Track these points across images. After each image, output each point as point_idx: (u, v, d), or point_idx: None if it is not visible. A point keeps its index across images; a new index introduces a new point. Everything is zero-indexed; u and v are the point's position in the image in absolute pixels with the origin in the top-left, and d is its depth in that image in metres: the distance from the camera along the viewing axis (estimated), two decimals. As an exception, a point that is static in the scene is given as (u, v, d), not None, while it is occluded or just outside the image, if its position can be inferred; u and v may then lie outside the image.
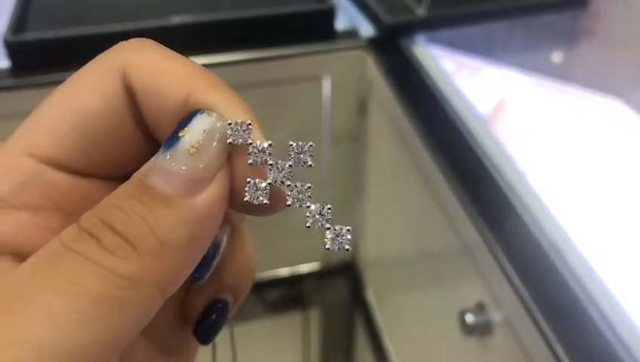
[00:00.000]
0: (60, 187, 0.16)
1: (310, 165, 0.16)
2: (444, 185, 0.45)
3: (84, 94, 0.16)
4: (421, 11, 0.60)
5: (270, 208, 0.16)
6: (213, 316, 0.19)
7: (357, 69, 0.60)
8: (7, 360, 0.12)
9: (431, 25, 0.60)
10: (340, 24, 0.60)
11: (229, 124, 0.15)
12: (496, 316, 0.41)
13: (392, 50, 0.58)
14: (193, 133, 0.15)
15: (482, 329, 0.41)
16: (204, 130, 0.15)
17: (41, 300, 0.13)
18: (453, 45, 0.62)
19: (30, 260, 0.14)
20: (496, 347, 0.41)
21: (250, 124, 0.15)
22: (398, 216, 0.60)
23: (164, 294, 0.15)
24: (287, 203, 0.16)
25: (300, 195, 0.16)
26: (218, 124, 0.15)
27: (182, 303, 0.19)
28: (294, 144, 0.16)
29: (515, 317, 0.38)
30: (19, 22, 0.54)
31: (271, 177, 0.16)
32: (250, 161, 0.15)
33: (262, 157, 0.15)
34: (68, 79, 0.17)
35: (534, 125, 0.58)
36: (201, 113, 0.15)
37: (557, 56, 0.69)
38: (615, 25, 0.70)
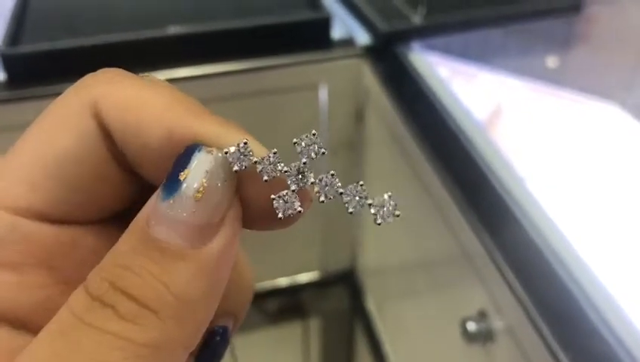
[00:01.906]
0: (41, 239, 0.15)
1: (324, 152, 0.15)
2: (442, 192, 0.45)
3: (55, 135, 0.15)
4: (417, 19, 0.60)
5: (298, 216, 0.15)
6: (215, 343, 0.17)
7: (353, 77, 0.60)
8: None
9: (427, 32, 0.60)
10: (336, 33, 0.60)
11: (227, 152, 0.14)
12: (498, 323, 0.40)
13: (388, 58, 0.58)
14: (196, 176, 0.13)
15: (484, 337, 0.41)
16: (207, 171, 0.14)
17: None
18: (449, 52, 0.62)
19: (43, 337, 0.13)
20: (499, 354, 0.41)
21: (246, 143, 0.14)
22: (397, 223, 0.60)
23: (187, 350, 0.14)
24: (321, 199, 0.15)
25: (327, 187, 0.15)
26: (220, 160, 0.14)
27: None
28: (298, 139, 0.15)
29: (517, 324, 0.37)
30: (14, 34, 0.54)
31: (292, 183, 0.14)
32: (266, 178, 0.14)
33: (273, 168, 0.14)
34: (40, 116, 0.15)
35: (531, 130, 0.58)
36: (199, 151, 0.14)
37: (552, 61, 0.69)
38: (609, 29, 0.70)
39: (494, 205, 0.43)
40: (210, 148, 0.14)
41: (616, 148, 0.55)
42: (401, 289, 0.63)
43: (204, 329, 0.14)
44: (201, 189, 0.13)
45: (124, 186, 0.16)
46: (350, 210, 0.15)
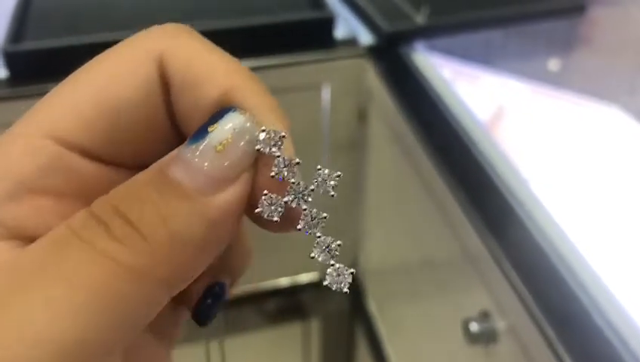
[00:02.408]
0: (84, 174, 0.15)
1: (333, 195, 0.15)
2: (446, 192, 0.45)
3: (116, 78, 0.15)
4: (420, 19, 0.60)
5: (279, 226, 0.15)
6: (212, 299, 0.18)
7: (356, 76, 0.60)
8: (3, 356, 0.12)
9: (429, 32, 0.60)
10: (340, 32, 0.60)
11: (263, 131, 0.15)
12: (500, 324, 0.40)
13: (391, 58, 0.58)
14: (222, 130, 0.14)
15: (487, 338, 0.41)
16: (234, 129, 0.14)
17: (40, 291, 0.12)
18: (452, 53, 0.62)
19: (35, 244, 0.14)
20: (501, 355, 0.41)
21: (283, 136, 0.15)
22: (399, 224, 0.60)
23: (169, 292, 0.14)
24: (298, 226, 0.15)
25: (313, 222, 0.15)
26: (248, 125, 0.15)
27: None
28: (322, 170, 0.15)
29: (520, 325, 0.37)
30: (17, 32, 0.54)
31: (289, 196, 0.15)
32: (273, 173, 0.15)
33: (286, 172, 0.15)
34: (94, 60, 0.16)
35: (533, 132, 0.58)
36: (234, 111, 0.15)
37: (555, 64, 0.69)
38: (612, 32, 0.70)
39: (497, 206, 0.43)
40: (244, 111, 0.15)
41: (618, 151, 0.55)
42: (402, 290, 0.62)
43: (190, 277, 0.14)
44: (224, 142, 0.14)
45: (167, 139, 0.16)
46: (312, 255, 0.15)
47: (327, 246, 0.15)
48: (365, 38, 0.60)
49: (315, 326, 0.80)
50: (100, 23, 0.58)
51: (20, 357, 0.12)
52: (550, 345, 0.34)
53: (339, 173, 0.15)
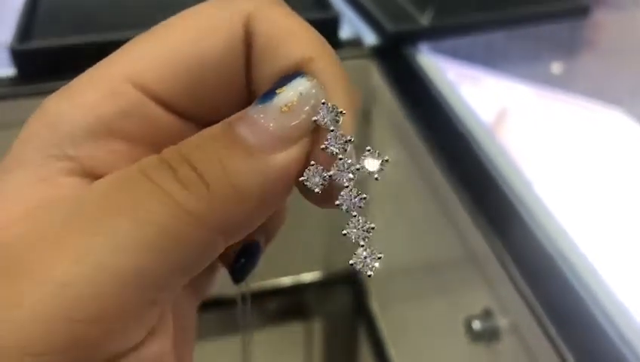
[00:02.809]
0: (159, 123, 0.16)
1: (377, 178, 0.15)
2: (449, 192, 0.45)
3: (204, 34, 0.16)
4: (424, 20, 0.60)
5: (320, 199, 0.16)
6: (247, 257, 0.19)
7: (361, 77, 0.60)
8: (69, 274, 0.13)
9: (434, 34, 0.60)
10: (344, 33, 0.60)
11: (324, 103, 0.15)
12: (503, 322, 0.40)
13: (395, 59, 0.58)
14: (289, 93, 0.15)
15: (489, 336, 0.41)
16: (301, 93, 0.15)
17: (107, 222, 0.13)
18: (456, 55, 0.62)
19: (104, 180, 0.14)
20: (504, 353, 0.41)
21: (342, 112, 0.15)
22: (402, 224, 0.60)
23: (225, 241, 0.15)
24: (337, 202, 0.15)
25: (353, 201, 0.15)
26: (314, 91, 0.15)
27: None
28: (373, 151, 0.15)
29: (523, 323, 0.37)
30: (25, 30, 0.54)
31: (334, 170, 0.15)
32: (323, 146, 0.15)
33: (337, 147, 0.15)
34: (179, 15, 0.16)
35: (536, 134, 0.58)
36: (302, 76, 0.15)
37: (558, 66, 0.69)
38: (616, 35, 0.70)
39: (501, 206, 0.43)
40: (312, 78, 0.15)
41: (621, 154, 0.55)
42: (404, 290, 0.63)
43: (244, 231, 0.15)
44: (289, 104, 0.15)
45: (241, 99, 0.17)
46: (345, 232, 0.15)
47: (362, 227, 0.15)
48: (370, 38, 0.60)
49: (317, 326, 0.80)
50: (108, 22, 0.58)
51: (81, 275, 0.13)
52: (552, 343, 0.34)
53: (387, 157, 0.15)
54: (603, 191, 0.50)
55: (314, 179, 0.15)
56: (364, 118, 0.64)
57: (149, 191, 0.14)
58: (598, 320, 0.35)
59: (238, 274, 0.19)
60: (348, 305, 0.77)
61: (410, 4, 0.62)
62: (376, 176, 0.15)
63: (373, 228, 0.15)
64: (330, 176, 0.15)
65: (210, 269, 0.20)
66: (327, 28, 0.58)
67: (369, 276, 0.15)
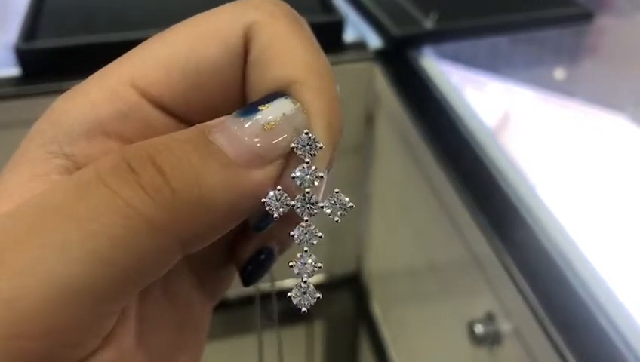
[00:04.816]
0: (155, 126, 0.16)
1: (337, 221, 0.15)
2: (452, 195, 0.45)
3: (205, 41, 0.16)
4: (428, 24, 0.60)
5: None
6: (259, 262, 0.19)
7: (364, 80, 0.60)
8: (14, 289, 0.12)
9: (438, 38, 0.61)
10: (348, 36, 0.60)
11: (306, 133, 0.15)
12: (505, 326, 0.40)
13: (399, 62, 0.58)
14: (273, 112, 0.15)
15: (492, 340, 0.41)
16: (284, 114, 0.15)
17: (58, 231, 0.13)
18: (459, 59, 0.62)
19: (61, 183, 0.14)
20: (506, 357, 0.41)
21: (320, 147, 0.15)
22: (404, 227, 0.60)
23: (182, 251, 0.14)
24: (291, 232, 0.15)
25: (307, 236, 0.15)
26: (298, 116, 0.15)
27: (231, 244, 0.19)
28: (339, 195, 0.15)
29: (525, 327, 0.37)
30: (30, 30, 0.55)
31: (298, 202, 0.15)
32: (294, 176, 0.15)
33: (308, 181, 0.15)
34: (185, 22, 0.16)
35: (539, 139, 0.58)
36: (287, 98, 0.15)
37: (561, 71, 0.69)
38: (620, 40, 0.70)
39: (504, 209, 0.43)
40: (296, 101, 0.15)
41: (624, 159, 0.55)
42: (406, 293, 0.63)
43: (205, 243, 0.15)
44: (272, 123, 0.15)
45: (236, 106, 0.16)
46: (290, 264, 0.15)
47: (308, 263, 0.15)
48: (374, 41, 0.61)
49: (319, 329, 0.80)
50: (113, 23, 0.58)
51: (29, 288, 0.12)
52: (555, 347, 0.34)
53: (352, 204, 0.15)
54: (606, 196, 0.50)
55: (275, 203, 0.15)
56: (368, 120, 0.64)
57: (104, 199, 0.13)
58: (601, 324, 0.35)
59: (248, 277, 0.19)
60: (350, 307, 0.77)
61: (415, 8, 0.62)
62: (337, 219, 0.15)
63: (320, 238, 0.15)
64: (292, 206, 0.15)
65: (224, 271, 0.20)
66: (332, 31, 0.59)
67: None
